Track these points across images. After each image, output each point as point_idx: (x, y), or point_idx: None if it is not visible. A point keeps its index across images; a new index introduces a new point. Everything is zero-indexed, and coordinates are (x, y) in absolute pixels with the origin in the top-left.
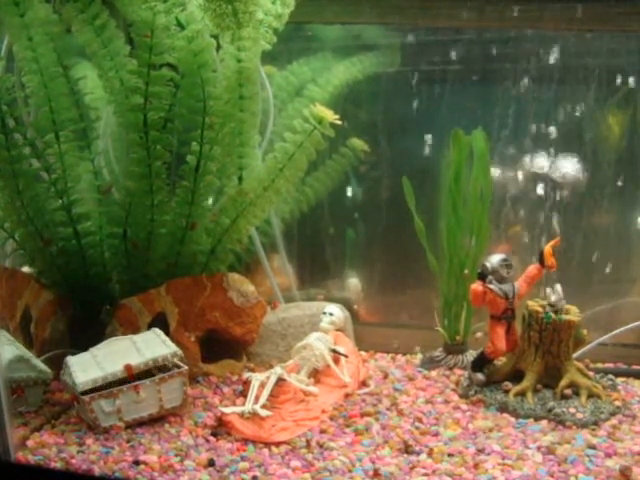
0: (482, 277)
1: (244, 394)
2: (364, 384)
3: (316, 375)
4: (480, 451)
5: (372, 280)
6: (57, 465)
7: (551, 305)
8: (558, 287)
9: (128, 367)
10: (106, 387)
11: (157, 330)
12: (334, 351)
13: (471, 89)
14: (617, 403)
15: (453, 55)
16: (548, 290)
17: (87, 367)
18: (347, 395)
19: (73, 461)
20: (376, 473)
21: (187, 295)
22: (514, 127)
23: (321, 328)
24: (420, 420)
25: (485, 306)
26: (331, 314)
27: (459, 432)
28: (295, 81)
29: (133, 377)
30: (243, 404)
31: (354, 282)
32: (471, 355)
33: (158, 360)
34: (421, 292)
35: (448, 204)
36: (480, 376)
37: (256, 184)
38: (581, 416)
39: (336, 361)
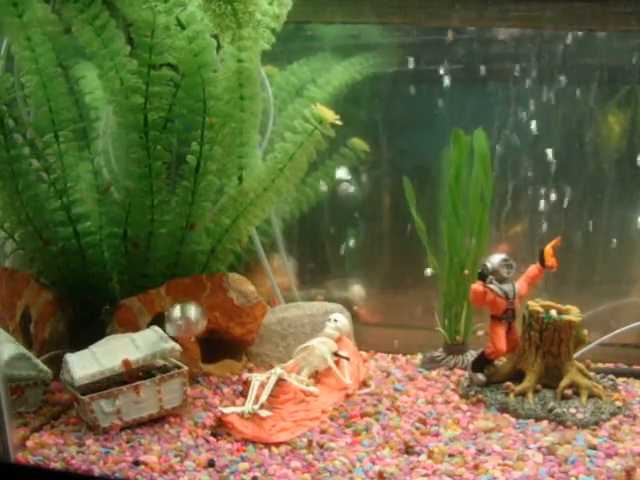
0: (482, 277)
1: (244, 394)
2: (364, 384)
3: (316, 375)
4: (480, 451)
5: (372, 280)
6: (57, 465)
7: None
8: (553, 312)
9: (126, 362)
10: (105, 384)
11: (155, 327)
12: (336, 354)
13: (471, 89)
14: (618, 403)
15: (453, 55)
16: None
17: (85, 363)
18: (347, 395)
19: (73, 461)
20: (380, 475)
21: (187, 295)
22: (514, 127)
23: (325, 334)
24: (420, 420)
25: (485, 306)
26: (336, 320)
27: (459, 432)
28: (295, 81)
29: (132, 373)
30: (243, 404)
31: (357, 288)
32: (471, 355)
33: (156, 355)
34: (421, 292)
35: (448, 204)
36: (480, 376)
37: (256, 184)
38: (582, 416)
39: (337, 362)
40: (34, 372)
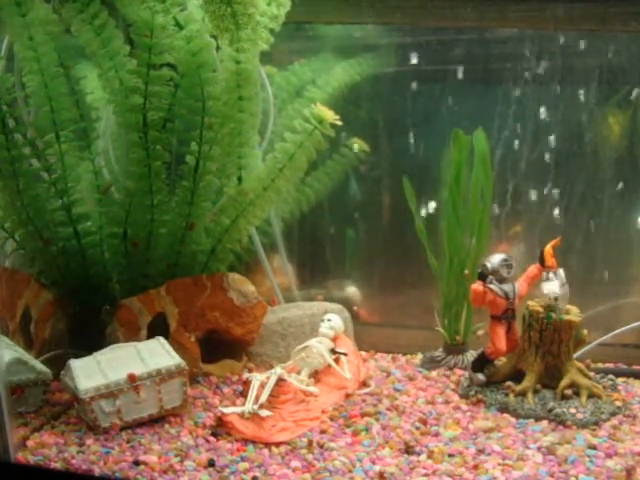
0: (482, 277)
1: (244, 394)
2: (364, 384)
3: (316, 375)
4: (480, 451)
5: (372, 280)
6: (57, 465)
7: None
8: (561, 271)
9: (132, 376)
10: None
11: (161, 339)
12: (334, 351)
13: (471, 89)
14: (617, 403)
15: (453, 55)
16: (551, 275)
17: (90, 373)
18: (347, 395)
19: (73, 461)
20: (380, 475)
21: (187, 295)
22: (514, 127)
23: (320, 334)
24: (420, 420)
25: (485, 306)
26: (329, 320)
27: (459, 432)
28: (296, 81)
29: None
30: (243, 404)
31: (352, 290)
32: (471, 355)
33: (162, 371)
34: (421, 292)
35: (448, 204)
36: (480, 376)
37: (256, 184)
38: (581, 416)
39: (336, 360)
40: (33, 375)
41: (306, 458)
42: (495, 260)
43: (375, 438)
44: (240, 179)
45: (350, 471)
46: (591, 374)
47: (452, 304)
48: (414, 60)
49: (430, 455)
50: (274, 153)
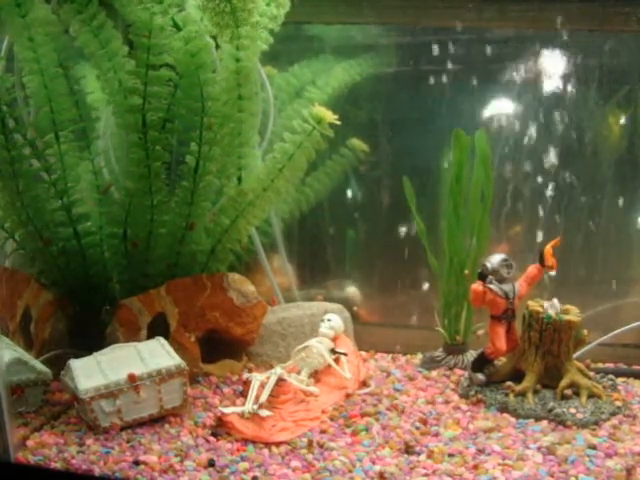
0: (482, 277)
1: (244, 394)
2: (364, 384)
3: (316, 375)
4: (480, 451)
5: (372, 280)
6: (57, 465)
7: None
8: (555, 301)
9: (132, 376)
10: None
11: (161, 339)
12: (334, 351)
13: (471, 89)
14: (617, 403)
15: (453, 55)
16: (546, 304)
17: (90, 373)
18: (347, 395)
19: (73, 461)
20: (380, 475)
21: (187, 295)
22: (514, 127)
23: (320, 334)
24: (420, 420)
25: (485, 306)
26: (329, 320)
27: (459, 432)
28: (295, 82)
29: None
30: (243, 404)
31: (352, 290)
32: (471, 355)
33: (162, 372)
34: (421, 292)
35: (449, 204)
36: (480, 376)
37: (256, 184)
38: (581, 416)
39: (336, 360)
40: (33, 375)
41: (306, 458)
42: (495, 260)
43: (375, 438)
44: (240, 179)
45: (350, 471)
46: (591, 374)
47: (452, 304)
48: (413, 60)
49: (430, 455)
50: (273, 153)
